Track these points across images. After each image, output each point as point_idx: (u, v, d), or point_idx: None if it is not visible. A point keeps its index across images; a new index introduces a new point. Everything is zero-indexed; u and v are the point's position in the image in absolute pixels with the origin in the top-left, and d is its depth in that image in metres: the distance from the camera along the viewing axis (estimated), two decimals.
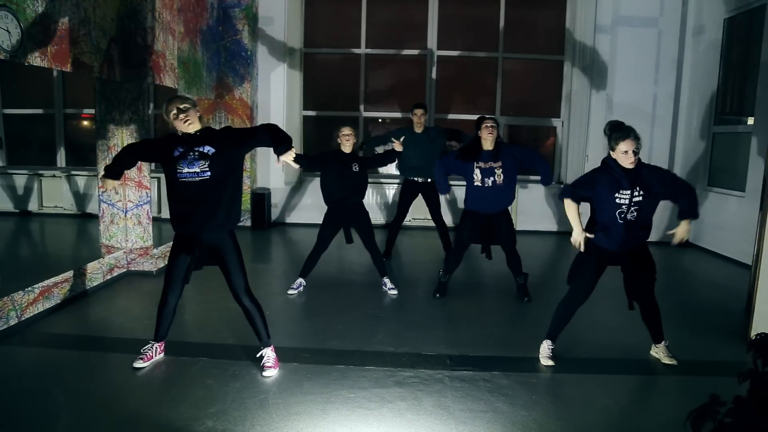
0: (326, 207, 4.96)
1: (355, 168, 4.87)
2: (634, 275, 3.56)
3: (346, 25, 8.23)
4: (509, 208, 4.84)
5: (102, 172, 3.42)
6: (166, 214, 6.52)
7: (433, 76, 8.20)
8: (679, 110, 7.77)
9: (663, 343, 3.72)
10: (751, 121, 6.64)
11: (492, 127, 4.64)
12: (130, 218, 5.33)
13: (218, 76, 7.56)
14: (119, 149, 3.68)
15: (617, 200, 3.38)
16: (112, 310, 4.59)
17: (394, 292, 5.04)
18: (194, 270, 3.35)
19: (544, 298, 4.93)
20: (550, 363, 3.59)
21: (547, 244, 7.64)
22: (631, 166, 3.36)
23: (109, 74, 4.97)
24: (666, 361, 3.67)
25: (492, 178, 4.61)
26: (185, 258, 3.32)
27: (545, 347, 3.68)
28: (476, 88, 8.40)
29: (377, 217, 8.10)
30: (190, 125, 3.20)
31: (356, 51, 8.22)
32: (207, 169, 3.16)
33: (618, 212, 3.39)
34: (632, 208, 3.38)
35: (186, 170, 3.16)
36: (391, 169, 8.33)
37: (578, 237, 3.50)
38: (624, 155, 3.34)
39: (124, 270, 5.36)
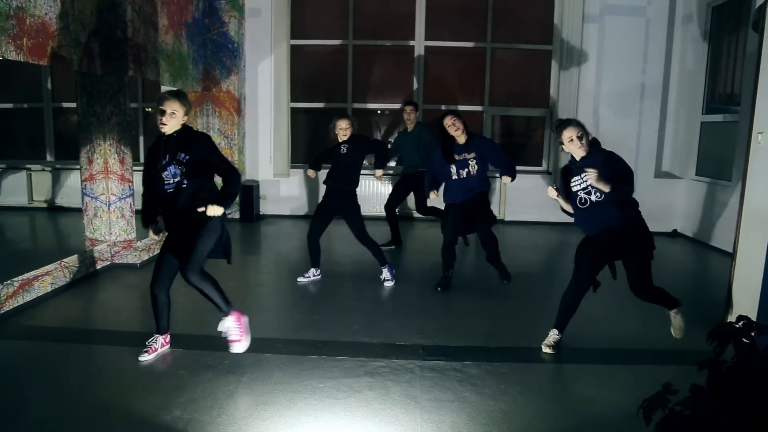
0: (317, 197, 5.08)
1: (344, 149, 4.93)
2: (630, 264, 3.53)
3: (333, 16, 8.21)
4: (487, 193, 4.97)
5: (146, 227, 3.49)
6: None
7: (422, 67, 8.18)
8: (667, 100, 7.75)
9: (676, 309, 3.72)
10: (738, 110, 6.62)
11: (453, 123, 4.70)
12: (114, 211, 5.35)
13: (205, 68, 7.56)
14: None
15: (573, 188, 3.49)
16: (94, 302, 4.63)
17: (390, 283, 5.02)
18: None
19: (525, 289, 4.95)
20: (549, 351, 3.61)
21: (535, 235, 7.64)
22: (582, 153, 3.43)
23: (89, 67, 4.97)
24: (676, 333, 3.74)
25: (466, 169, 4.69)
26: (170, 254, 3.38)
27: (551, 336, 3.68)
28: (465, 79, 8.38)
29: (376, 208, 8.07)
30: (164, 127, 3.28)
31: (344, 42, 8.20)
32: (183, 176, 3.25)
33: (577, 200, 3.48)
34: (590, 192, 3.42)
35: (167, 181, 3.26)
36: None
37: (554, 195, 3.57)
38: (570, 143, 3.43)
39: (108, 263, 5.39)
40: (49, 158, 8.87)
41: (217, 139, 7.81)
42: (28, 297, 4.31)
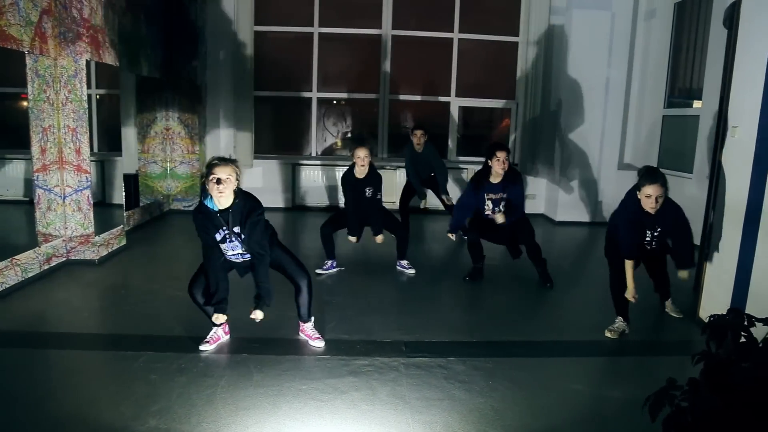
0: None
1: (368, 193, 4.85)
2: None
3: (298, 2, 7.96)
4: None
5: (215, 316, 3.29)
6: (109, 200, 6.23)
7: (388, 56, 8.04)
8: (630, 93, 7.86)
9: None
10: (699, 104, 6.78)
11: (505, 161, 4.64)
12: (69, 204, 5.02)
13: (164, 54, 7.21)
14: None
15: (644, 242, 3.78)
16: (50, 302, 4.32)
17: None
18: None
19: (500, 283, 4.92)
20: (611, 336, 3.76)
21: None
22: (652, 212, 3.58)
23: (41, 49, 4.62)
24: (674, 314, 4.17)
25: (500, 207, 4.70)
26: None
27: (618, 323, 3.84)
28: (431, 69, 8.29)
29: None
30: (222, 198, 3.15)
31: (309, 29, 7.97)
32: (245, 252, 3.31)
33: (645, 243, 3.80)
34: (654, 242, 3.83)
35: (230, 253, 3.31)
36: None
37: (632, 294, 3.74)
38: (647, 199, 3.57)
39: (64, 259, 5.06)
40: None
41: (176, 128, 7.49)
42: None
